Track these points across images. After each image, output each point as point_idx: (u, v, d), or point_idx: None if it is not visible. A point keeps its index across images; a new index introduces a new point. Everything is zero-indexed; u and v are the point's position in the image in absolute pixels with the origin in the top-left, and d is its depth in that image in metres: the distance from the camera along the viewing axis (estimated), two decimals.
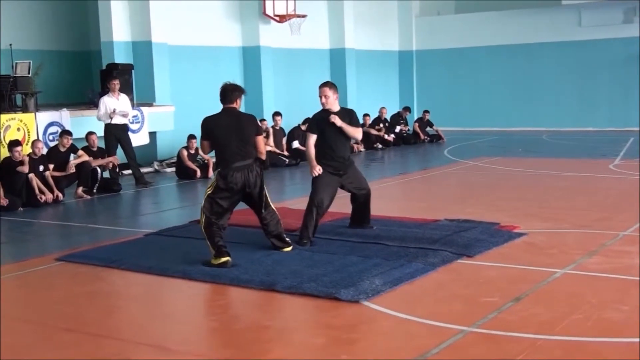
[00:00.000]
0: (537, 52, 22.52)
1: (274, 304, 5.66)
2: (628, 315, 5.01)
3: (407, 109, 20.76)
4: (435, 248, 6.91)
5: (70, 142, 11.74)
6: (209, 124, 6.99)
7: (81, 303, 5.90)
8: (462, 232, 7.54)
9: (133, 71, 15.07)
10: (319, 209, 7.30)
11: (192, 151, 13.73)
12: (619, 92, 21.37)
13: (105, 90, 13.19)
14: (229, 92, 6.96)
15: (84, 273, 6.77)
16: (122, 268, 6.78)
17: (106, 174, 12.37)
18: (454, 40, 23.77)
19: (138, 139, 14.20)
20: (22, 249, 8.17)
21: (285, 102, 18.38)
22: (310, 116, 7.89)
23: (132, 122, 13.85)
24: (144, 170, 13.75)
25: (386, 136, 18.74)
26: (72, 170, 11.61)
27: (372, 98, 21.85)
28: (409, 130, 20.01)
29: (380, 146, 18.38)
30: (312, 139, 7.43)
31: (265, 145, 7.58)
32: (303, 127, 14.59)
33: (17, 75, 13.13)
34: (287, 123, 16.23)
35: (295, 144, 15.56)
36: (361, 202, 7.80)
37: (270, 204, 7.04)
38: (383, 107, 19.44)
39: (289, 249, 7.06)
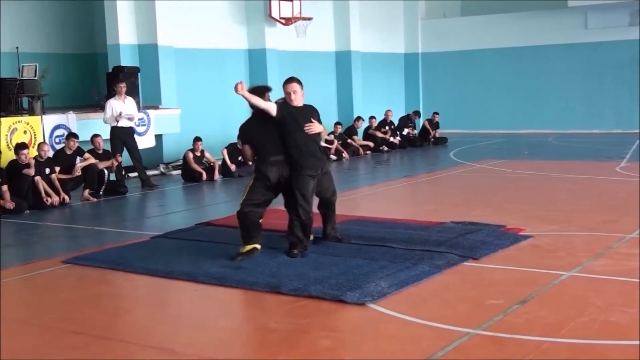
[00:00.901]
0: (543, 54, 22.50)
1: (280, 306, 5.66)
2: (634, 318, 4.99)
3: (417, 113, 20.78)
4: (441, 250, 6.91)
5: (77, 144, 11.78)
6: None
7: (87, 305, 5.91)
8: (468, 235, 7.54)
9: (139, 74, 15.11)
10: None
11: (198, 154, 13.75)
12: (625, 94, 21.32)
13: (111, 93, 13.22)
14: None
15: (90, 275, 6.79)
16: (128, 270, 6.79)
17: (112, 177, 12.40)
18: (460, 42, 23.77)
19: (144, 142, 14.24)
20: (29, 252, 8.19)
21: None
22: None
23: (138, 125, 13.88)
24: (150, 172, 13.78)
25: (392, 139, 18.74)
26: (78, 172, 11.65)
27: (377, 101, 21.86)
28: (416, 134, 20.03)
29: (386, 149, 18.39)
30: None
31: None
32: None
33: (23, 78, 13.18)
34: None
35: None
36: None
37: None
38: (389, 110, 19.43)
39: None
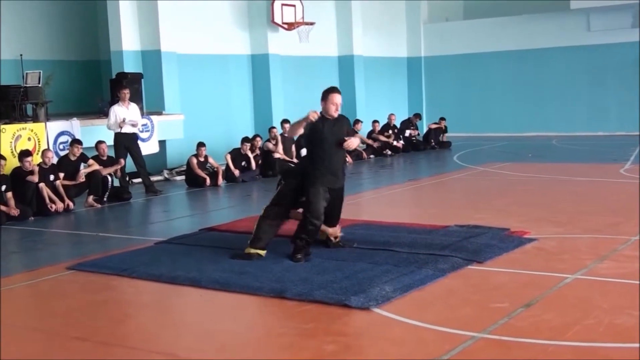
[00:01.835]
0: (545, 56, 22.48)
1: (285, 311, 5.66)
2: None
3: (418, 115, 20.76)
4: (445, 254, 6.90)
5: (81, 151, 11.80)
6: None
7: (92, 311, 5.92)
8: (472, 238, 7.53)
9: (142, 80, 15.14)
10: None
11: (202, 159, 13.77)
12: (628, 96, 21.26)
13: (115, 100, 13.26)
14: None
15: (95, 282, 6.80)
16: (132, 276, 6.80)
17: (116, 183, 12.42)
18: (463, 45, 23.76)
19: (148, 148, 14.27)
20: (33, 258, 8.20)
21: (294, 110, 18.34)
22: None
23: (141, 131, 13.91)
24: (153, 178, 13.79)
25: (395, 143, 18.74)
26: (83, 179, 11.67)
27: (380, 105, 21.88)
28: (418, 135, 20.02)
29: (389, 153, 18.38)
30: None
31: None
32: None
33: (27, 85, 13.22)
34: None
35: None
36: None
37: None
38: (392, 114, 19.44)
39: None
